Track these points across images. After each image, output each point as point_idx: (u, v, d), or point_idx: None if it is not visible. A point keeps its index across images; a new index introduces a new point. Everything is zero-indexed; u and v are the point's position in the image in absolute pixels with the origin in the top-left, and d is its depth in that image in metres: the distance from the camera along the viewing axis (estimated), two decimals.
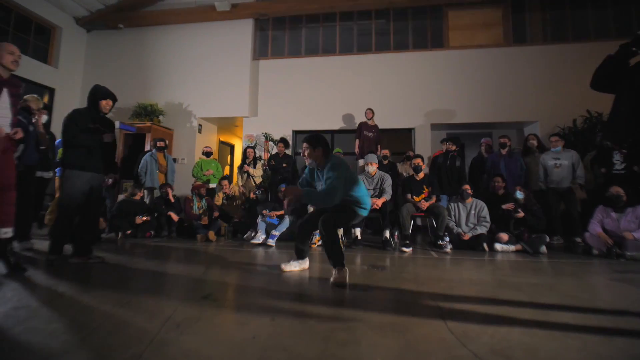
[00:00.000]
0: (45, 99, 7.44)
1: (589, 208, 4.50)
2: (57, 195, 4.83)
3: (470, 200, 4.53)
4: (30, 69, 7.09)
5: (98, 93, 3.22)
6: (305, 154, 2.79)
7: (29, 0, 7.09)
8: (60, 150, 4.72)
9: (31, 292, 2.14)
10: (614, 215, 3.99)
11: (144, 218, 4.90)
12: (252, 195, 5.42)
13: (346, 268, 2.59)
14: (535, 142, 5.47)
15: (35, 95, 3.99)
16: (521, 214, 4.33)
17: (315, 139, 2.78)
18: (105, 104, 3.22)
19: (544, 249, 4.04)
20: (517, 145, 6.77)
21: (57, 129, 4.86)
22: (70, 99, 7.99)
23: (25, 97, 3.89)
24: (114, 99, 3.32)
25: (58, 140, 4.76)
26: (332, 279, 2.52)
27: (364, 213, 2.87)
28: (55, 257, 3.03)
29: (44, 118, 4.23)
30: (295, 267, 2.95)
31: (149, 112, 7.38)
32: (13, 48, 2.65)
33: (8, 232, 2.56)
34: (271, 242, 4.45)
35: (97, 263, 3.07)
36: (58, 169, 4.75)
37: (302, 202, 2.95)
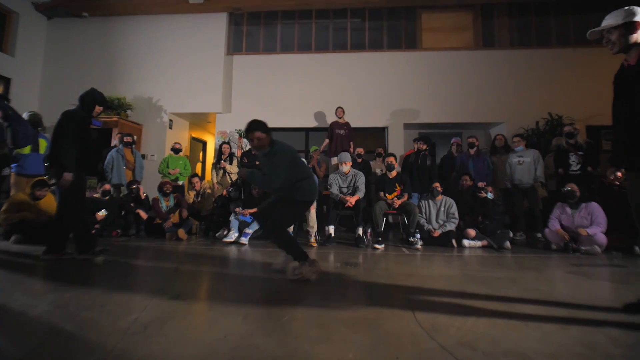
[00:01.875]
0: (0, 89, 6.94)
1: (549, 206, 4.76)
2: (12, 192, 4.55)
3: (440, 197, 4.67)
4: None
5: (98, 99, 3.25)
6: (256, 143, 2.68)
7: None
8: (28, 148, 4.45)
9: None
10: (569, 211, 4.25)
11: (102, 214, 4.67)
12: (224, 192, 5.31)
13: (310, 261, 2.59)
14: (502, 142, 5.71)
15: None
16: (483, 194, 4.53)
17: (264, 124, 2.69)
18: (98, 109, 3.28)
19: (508, 244, 4.23)
20: (485, 146, 7.05)
21: None
22: (27, 89, 7.51)
23: None
24: (106, 107, 3.30)
25: None
26: (294, 273, 2.54)
27: (310, 197, 2.78)
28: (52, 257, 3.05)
29: None
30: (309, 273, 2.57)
31: (116, 106, 7.05)
32: None
33: None
34: (244, 240, 4.39)
35: (68, 259, 3.05)
36: (14, 165, 4.48)
37: (248, 181, 2.90)
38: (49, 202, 4.43)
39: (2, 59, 7.06)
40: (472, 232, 4.40)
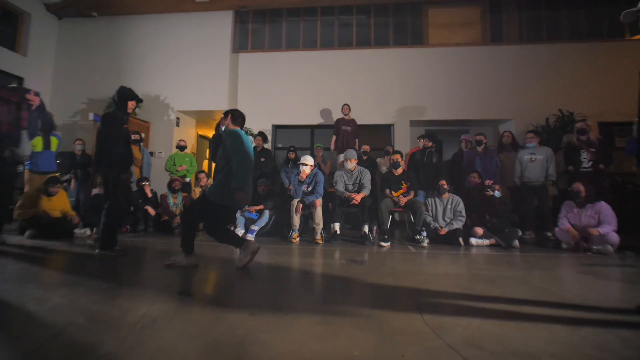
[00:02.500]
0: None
1: (560, 204, 4.69)
2: (25, 189, 4.64)
3: (446, 195, 4.64)
4: None
5: (128, 95, 3.31)
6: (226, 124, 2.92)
7: None
8: (32, 143, 4.53)
9: (1, 287, 2.05)
10: (576, 210, 4.18)
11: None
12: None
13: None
14: (510, 139, 5.63)
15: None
16: (490, 193, 4.48)
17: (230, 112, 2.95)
18: (131, 105, 3.33)
19: (516, 243, 4.19)
20: (492, 143, 6.97)
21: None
22: (40, 88, 7.51)
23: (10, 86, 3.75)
24: (139, 100, 3.42)
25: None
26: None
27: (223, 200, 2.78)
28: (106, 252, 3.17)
29: None
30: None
31: None
32: None
33: None
34: (250, 236, 4.42)
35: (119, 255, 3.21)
36: (27, 162, 4.56)
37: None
38: (61, 198, 4.51)
39: (15, 59, 7.18)
40: (479, 230, 4.36)
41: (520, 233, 4.33)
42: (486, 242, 4.31)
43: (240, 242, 2.82)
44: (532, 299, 2.13)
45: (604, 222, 3.95)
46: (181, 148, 6.37)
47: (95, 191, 5.29)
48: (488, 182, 4.92)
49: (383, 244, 4.16)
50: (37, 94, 3.59)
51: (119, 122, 3.24)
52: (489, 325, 1.66)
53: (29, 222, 4.17)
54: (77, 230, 4.41)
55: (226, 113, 2.96)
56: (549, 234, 4.81)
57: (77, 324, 1.56)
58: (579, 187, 4.16)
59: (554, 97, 6.79)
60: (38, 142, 4.68)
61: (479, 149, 5.53)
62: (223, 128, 2.98)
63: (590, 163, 4.72)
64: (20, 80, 7.25)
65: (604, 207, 4.04)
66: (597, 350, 1.40)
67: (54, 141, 4.85)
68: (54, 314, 1.68)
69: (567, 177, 5.07)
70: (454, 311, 1.87)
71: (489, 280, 2.57)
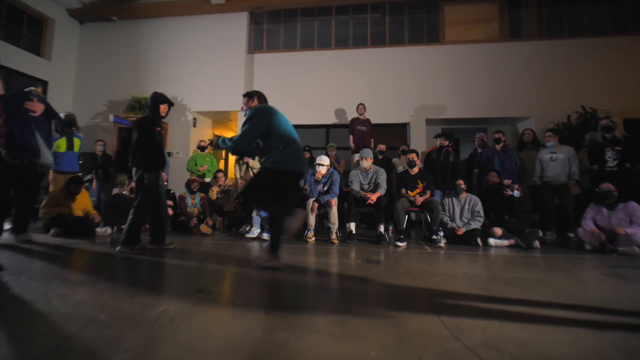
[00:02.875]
0: (40, 90, 7.33)
1: (582, 204, 4.55)
2: (50, 189, 4.80)
3: (464, 195, 4.56)
4: (23, 61, 6.98)
5: (158, 98, 3.50)
6: (244, 108, 2.99)
7: None
8: (56, 144, 4.69)
9: (24, 286, 2.13)
10: (605, 212, 4.03)
11: None
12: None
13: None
14: (530, 137, 5.49)
15: (36, 89, 4.03)
16: (509, 192, 4.38)
17: (251, 91, 3.05)
18: (163, 108, 3.51)
19: (537, 243, 4.08)
20: (511, 141, 6.81)
21: None
22: (63, 91, 7.89)
23: (27, 89, 3.85)
24: (170, 104, 3.57)
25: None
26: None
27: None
28: (127, 250, 3.31)
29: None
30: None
31: (143, 106, 7.30)
32: None
33: None
34: (266, 236, 4.45)
35: (170, 249, 3.54)
36: (52, 162, 4.72)
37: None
38: (84, 198, 4.65)
39: (40, 63, 7.44)
40: (498, 230, 4.27)
41: (540, 234, 4.22)
42: (505, 242, 4.22)
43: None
44: (554, 301, 2.06)
45: (636, 223, 3.79)
46: (202, 148, 6.48)
47: (115, 191, 5.44)
48: (507, 181, 4.82)
49: (399, 244, 4.12)
50: (41, 100, 3.56)
51: (153, 125, 3.40)
52: (509, 328, 1.62)
53: (53, 221, 4.32)
54: (98, 229, 4.53)
55: (251, 94, 3.04)
56: (571, 234, 4.67)
57: (100, 320, 1.61)
58: (610, 187, 3.99)
59: (575, 94, 6.59)
60: (62, 143, 4.84)
61: (498, 147, 5.41)
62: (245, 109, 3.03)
63: (616, 162, 4.55)
64: (45, 83, 7.52)
65: (637, 208, 3.86)
66: (625, 356, 1.35)
67: (76, 142, 5.01)
68: (77, 310, 1.73)
69: (589, 176, 4.90)
70: (473, 313, 1.84)
71: (508, 282, 2.51)
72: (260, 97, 3.04)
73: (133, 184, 5.29)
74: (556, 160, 4.92)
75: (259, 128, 2.73)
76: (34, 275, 2.40)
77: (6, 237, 3.79)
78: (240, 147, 2.77)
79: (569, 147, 5.01)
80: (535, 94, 6.88)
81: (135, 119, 6.98)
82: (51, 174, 4.87)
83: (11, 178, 3.48)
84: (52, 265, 2.75)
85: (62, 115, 4.83)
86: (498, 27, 7.37)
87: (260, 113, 2.78)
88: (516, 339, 1.49)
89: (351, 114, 6.94)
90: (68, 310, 1.72)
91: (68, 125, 4.82)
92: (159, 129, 3.48)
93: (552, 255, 3.78)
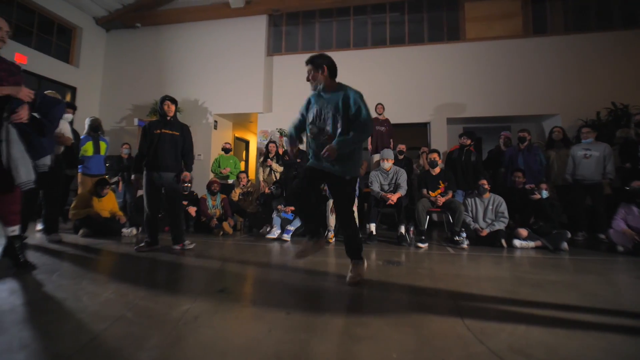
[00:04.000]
0: (68, 97, 7.65)
1: (613, 203, 4.34)
2: (79, 191, 5.00)
3: (487, 195, 4.45)
4: (53, 68, 7.30)
5: (160, 98, 3.63)
6: (310, 77, 2.58)
7: (51, 1, 7.28)
8: (83, 148, 4.89)
9: (56, 284, 2.22)
10: (636, 211, 3.84)
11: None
12: (267, 190, 5.45)
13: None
14: (560, 135, 5.27)
15: (53, 91, 4.09)
16: (537, 196, 4.23)
17: (319, 57, 2.53)
18: (166, 106, 3.57)
19: (565, 245, 3.92)
20: (537, 140, 6.59)
21: (79, 128, 5.02)
22: (91, 97, 8.20)
23: (45, 92, 4.00)
24: (172, 101, 3.62)
25: (82, 136, 4.93)
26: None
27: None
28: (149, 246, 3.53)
29: (69, 117, 4.35)
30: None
31: None
32: (1, 22, 2.39)
33: (15, 230, 2.59)
34: (286, 237, 4.47)
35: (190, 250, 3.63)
36: (80, 166, 4.91)
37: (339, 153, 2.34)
38: (110, 199, 4.81)
39: (69, 70, 7.77)
40: (523, 232, 4.13)
41: (569, 235, 4.05)
42: (531, 244, 4.08)
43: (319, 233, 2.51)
44: (584, 305, 1.98)
45: None
46: (226, 150, 6.60)
47: (140, 193, 5.59)
48: (529, 186, 4.60)
49: (420, 245, 4.06)
50: (45, 100, 2.68)
51: (145, 129, 3.59)
52: (536, 332, 1.57)
53: (82, 222, 4.49)
54: (124, 230, 4.68)
55: (316, 64, 2.55)
56: (602, 235, 4.47)
57: (126, 318, 1.66)
58: None
59: (605, 89, 6.31)
60: (89, 147, 5.02)
61: (522, 146, 5.24)
62: (320, 86, 2.60)
63: None
64: (73, 90, 7.84)
65: None
66: None
67: (102, 146, 5.19)
68: (105, 308, 1.80)
69: (621, 175, 4.67)
70: (497, 316, 1.79)
71: (534, 284, 2.43)
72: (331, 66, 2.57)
73: None
74: (590, 158, 4.66)
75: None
76: (65, 274, 2.50)
77: (38, 237, 3.98)
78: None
79: (605, 144, 4.73)
80: (561, 90, 6.63)
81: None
82: (79, 177, 5.06)
83: (40, 181, 3.61)
84: (81, 264, 2.86)
85: (88, 120, 5.05)
86: (521, 22, 7.15)
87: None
88: (544, 344, 1.44)
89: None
90: (97, 308, 1.79)
91: (94, 130, 5.00)
92: (159, 131, 3.52)
93: (581, 257, 3.63)
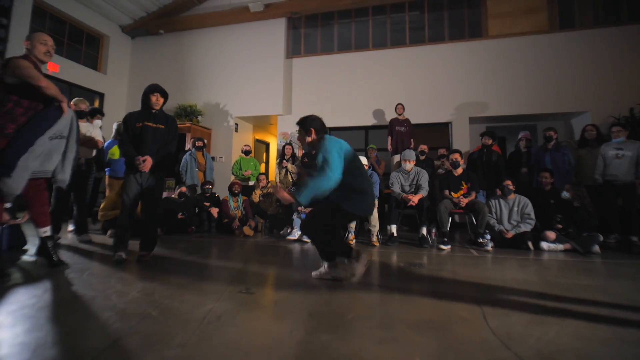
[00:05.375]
0: (96, 103, 7.98)
1: None
2: (107, 193, 5.18)
3: (512, 196, 4.31)
4: (82, 75, 7.62)
5: (147, 88, 3.21)
6: (298, 139, 2.65)
7: (80, 12, 7.62)
8: (110, 152, 5.05)
9: (86, 283, 2.31)
10: None
11: (180, 216, 5.10)
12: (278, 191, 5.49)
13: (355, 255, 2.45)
14: (594, 133, 5.02)
15: (81, 98, 4.25)
16: (569, 195, 4.08)
17: (304, 121, 2.59)
18: (154, 100, 3.17)
19: (596, 248, 3.76)
20: (564, 138, 6.35)
21: (107, 132, 5.21)
22: (117, 102, 8.51)
23: (73, 100, 4.17)
24: (162, 93, 3.25)
25: (107, 142, 5.09)
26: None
27: (359, 212, 2.50)
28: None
29: (98, 123, 4.51)
30: (325, 274, 2.56)
31: (188, 113, 7.69)
32: (46, 37, 2.53)
33: (47, 230, 2.71)
34: (307, 238, 4.49)
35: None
36: (107, 169, 5.08)
37: (297, 205, 2.59)
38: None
39: (97, 77, 8.10)
40: (551, 234, 3.99)
41: (601, 238, 3.87)
42: (560, 247, 3.93)
43: (350, 252, 2.47)
44: (618, 311, 1.89)
45: None
46: (247, 153, 6.70)
47: (164, 195, 5.73)
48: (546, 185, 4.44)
49: (443, 247, 3.99)
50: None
51: (127, 121, 3.24)
52: (566, 338, 1.50)
53: (110, 223, 4.65)
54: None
55: (305, 129, 2.58)
56: (635, 238, 4.24)
57: (152, 317, 1.71)
58: None
59: (638, 85, 6.01)
60: (116, 151, 5.20)
61: (549, 145, 5.05)
62: (308, 147, 2.66)
63: None
64: (102, 96, 8.16)
65: None
66: None
67: None
68: (132, 306, 1.85)
69: None
70: (525, 320, 1.73)
71: (564, 288, 2.34)
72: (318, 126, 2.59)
73: (184, 189, 5.60)
74: (623, 158, 4.43)
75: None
76: (94, 273, 2.60)
77: (70, 237, 4.16)
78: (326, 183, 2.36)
79: (638, 143, 4.49)
80: (591, 86, 6.36)
81: (180, 126, 7.37)
82: (107, 179, 5.24)
83: (72, 183, 3.79)
84: (110, 263, 2.96)
85: (115, 125, 5.22)
86: (547, 17, 6.91)
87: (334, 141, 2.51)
88: (575, 350, 1.39)
89: (390, 115, 6.83)
90: (124, 307, 1.85)
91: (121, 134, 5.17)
92: (140, 124, 3.10)
93: (613, 260, 3.47)
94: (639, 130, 5.47)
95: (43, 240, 2.71)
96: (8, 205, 2.73)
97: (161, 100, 3.24)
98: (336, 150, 2.41)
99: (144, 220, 3.26)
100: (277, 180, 6.22)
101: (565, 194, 4.17)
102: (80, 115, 4.01)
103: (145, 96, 3.19)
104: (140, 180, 3.12)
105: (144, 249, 3.19)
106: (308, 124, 2.58)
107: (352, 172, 2.44)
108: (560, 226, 4.06)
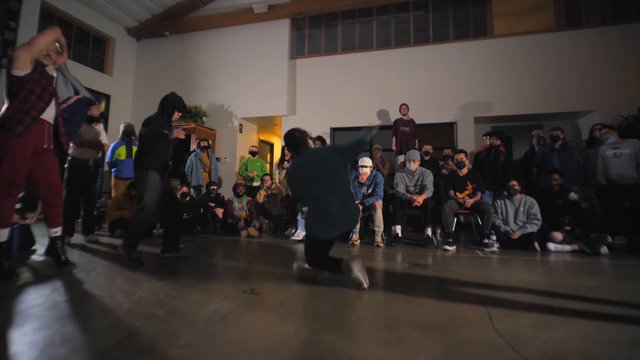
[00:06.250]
0: (103, 105, 8.05)
1: None
2: (112, 194, 5.22)
3: (518, 196, 4.28)
4: (89, 77, 7.69)
5: (178, 104, 3.20)
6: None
7: (86, 14, 7.70)
8: (117, 152, 5.09)
9: (93, 282, 2.33)
10: None
11: (185, 216, 5.13)
12: (290, 192, 5.50)
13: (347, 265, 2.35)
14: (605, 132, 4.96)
15: (97, 104, 4.32)
16: (577, 196, 4.05)
17: (285, 139, 2.77)
18: (177, 116, 3.24)
19: (604, 249, 3.71)
20: (571, 138, 6.29)
21: (113, 133, 5.26)
22: (123, 104, 8.59)
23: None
24: (185, 112, 3.22)
25: (114, 143, 5.13)
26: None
27: (323, 234, 2.49)
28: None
29: (100, 127, 4.54)
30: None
31: (193, 114, 7.73)
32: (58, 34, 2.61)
33: (57, 231, 2.74)
34: None
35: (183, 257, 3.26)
36: (114, 169, 5.13)
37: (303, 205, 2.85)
38: None
39: (104, 79, 8.18)
40: (558, 235, 3.95)
41: (609, 239, 3.82)
42: (567, 248, 3.89)
43: (339, 266, 2.42)
44: (627, 313, 1.87)
45: None
46: (253, 153, 6.72)
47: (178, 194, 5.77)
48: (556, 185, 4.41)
49: (448, 247, 3.97)
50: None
51: (157, 125, 3.10)
52: (574, 340, 1.49)
53: (116, 223, 4.69)
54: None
55: (288, 146, 2.76)
56: None
57: (158, 316, 1.71)
58: None
59: None
60: (122, 152, 5.24)
61: (556, 145, 5.00)
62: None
63: None
64: (108, 97, 8.23)
65: None
66: None
67: (135, 150, 5.40)
68: (138, 306, 1.86)
69: None
70: (531, 322, 1.72)
71: (571, 290, 2.31)
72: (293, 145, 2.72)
73: (186, 189, 5.63)
74: (621, 156, 4.40)
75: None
76: (101, 273, 2.62)
77: (77, 237, 4.20)
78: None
79: (634, 140, 4.46)
80: (598, 85, 6.30)
81: (185, 127, 7.41)
82: (113, 180, 5.29)
83: (81, 185, 3.95)
84: (116, 263, 2.98)
85: (122, 125, 5.27)
86: (553, 15, 6.85)
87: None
88: (583, 352, 1.37)
89: (394, 115, 6.82)
90: (130, 306, 1.86)
91: (127, 135, 5.22)
92: (167, 131, 3.11)
93: (622, 261, 3.42)
94: None
95: (52, 240, 2.74)
96: (18, 205, 2.80)
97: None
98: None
99: (171, 220, 3.31)
100: (277, 180, 6.23)
101: (573, 195, 4.12)
102: (90, 119, 4.11)
103: (171, 109, 3.17)
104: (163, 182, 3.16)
105: (172, 248, 3.25)
106: (286, 142, 2.76)
107: (306, 193, 2.60)
108: (568, 228, 4.03)
